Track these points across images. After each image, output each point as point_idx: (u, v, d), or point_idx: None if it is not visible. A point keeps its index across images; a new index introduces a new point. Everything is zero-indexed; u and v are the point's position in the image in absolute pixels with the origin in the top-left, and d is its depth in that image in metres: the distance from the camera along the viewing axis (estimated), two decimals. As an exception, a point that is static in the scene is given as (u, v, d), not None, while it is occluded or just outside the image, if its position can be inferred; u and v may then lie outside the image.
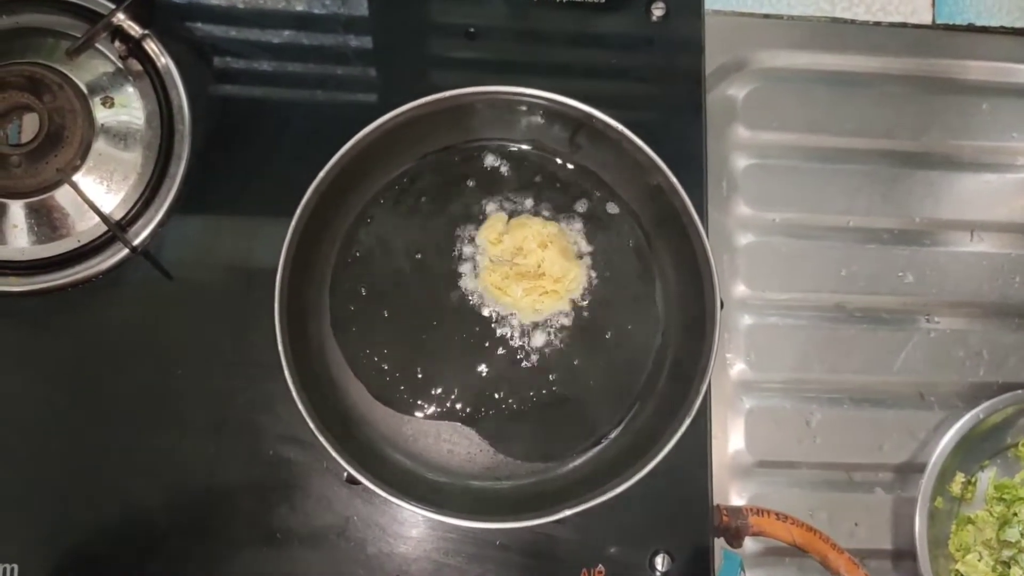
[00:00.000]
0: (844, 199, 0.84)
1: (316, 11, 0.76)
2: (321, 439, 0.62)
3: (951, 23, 0.86)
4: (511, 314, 0.71)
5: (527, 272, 0.70)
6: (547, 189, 0.73)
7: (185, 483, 0.67)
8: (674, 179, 0.66)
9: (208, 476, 0.67)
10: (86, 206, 0.68)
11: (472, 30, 0.76)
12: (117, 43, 0.71)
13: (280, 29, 0.75)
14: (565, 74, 0.75)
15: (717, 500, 0.71)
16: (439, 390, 0.69)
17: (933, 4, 0.86)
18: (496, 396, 0.70)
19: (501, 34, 0.76)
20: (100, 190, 0.70)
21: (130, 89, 0.71)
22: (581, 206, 0.73)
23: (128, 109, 0.71)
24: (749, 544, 0.73)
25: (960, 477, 0.78)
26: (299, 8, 0.75)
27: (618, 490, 0.62)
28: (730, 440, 0.79)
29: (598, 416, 0.70)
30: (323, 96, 0.75)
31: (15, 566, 0.65)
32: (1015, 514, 0.77)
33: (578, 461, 0.69)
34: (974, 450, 0.78)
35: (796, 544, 0.71)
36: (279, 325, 0.63)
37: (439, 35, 0.77)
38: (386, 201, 0.72)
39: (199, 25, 0.74)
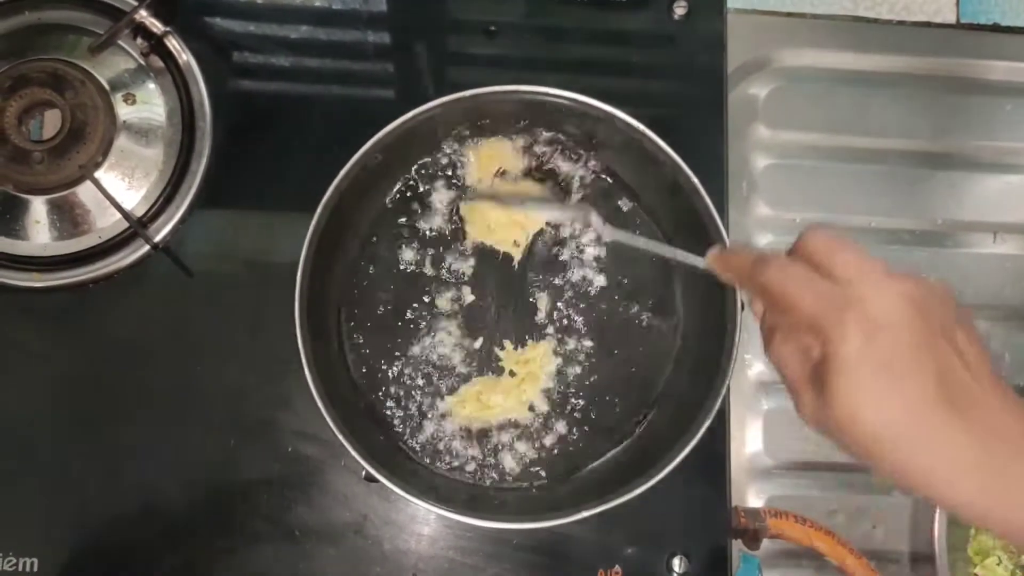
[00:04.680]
0: (865, 200, 0.83)
1: (336, 7, 0.76)
2: (340, 437, 0.62)
3: (975, 23, 0.85)
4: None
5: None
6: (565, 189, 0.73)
7: (204, 479, 0.68)
8: (695, 179, 0.66)
9: (227, 472, 0.68)
10: (107, 202, 0.68)
11: (492, 28, 0.76)
12: (139, 40, 0.71)
13: (300, 25, 0.75)
14: (586, 72, 0.75)
15: (734, 502, 0.70)
16: (455, 390, 0.69)
17: (957, 3, 0.85)
18: (515, 396, 0.70)
19: (521, 32, 0.76)
20: (121, 186, 0.70)
21: (151, 86, 0.71)
22: (600, 205, 0.73)
23: (149, 106, 0.71)
24: (767, 546, 0.72)
25: (980, 481, 0.78)
26: (318, 4, 0.75)
27: (636, 491, 0.62)
28: (748, 441, 0.79)
29: (617, 417, 0.70)
30: (343, 92, 0.75)
31: (35, 560, 0.65)
32: (1035, 519, 0.77)
33: (597, 462, 0.69)
34: (995, 454, 0.77)
35: (814, 547, 0.71)
36: (299, 322, 0.63)
37: (459, 32, 0.77)
38: (405, 198, 0.72)
39: (220, 22, 0.75)
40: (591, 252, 0.72)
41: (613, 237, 0.60)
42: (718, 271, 0.50)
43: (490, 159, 0.72)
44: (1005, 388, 0.43)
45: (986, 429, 0.41)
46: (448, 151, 0.72)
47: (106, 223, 0.70)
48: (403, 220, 0.72)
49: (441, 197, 0.72)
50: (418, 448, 0.69)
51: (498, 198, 0.70)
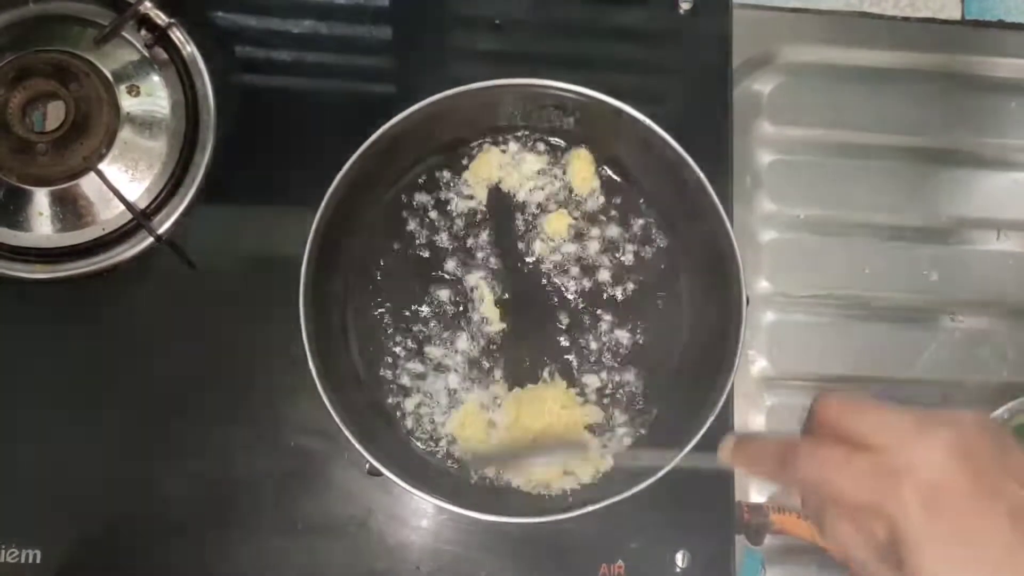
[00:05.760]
0: (869, 196, 0.83)
1: (339, 1, 0.76)
2: (344, 430, 0.61)
3: (980, 19, 0.85)
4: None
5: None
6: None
7: (207, 472, 0.68)
8: (701, 174, 0.66)
9: (230, 465, 0.68)
10: (111, 194, 0.68)
11: (498, 22, 0.76)
12: (143, 32, 0.71)
13: (303, 19, 0.75)
14: (591, 67, 0.75)
15: (738, 497, 0.70)
16: (461, 384, 0.69)
17: (962, 0, 0.85)
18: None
19: (527, 26, 0.76)
20: (125, 178, 0.70)
21: (155, 78, 0.71)
22: (604, 201, 0.73)
23: (153, 98, 0.71)
24: (770, 542, 0.72)
25: (983, 478, 0.78)
26: (322, -2, 0.75)
27: (640, 486, 0.62)
28: (751, 437, 0.79)
29: (621, 413, 0.70)
30: (348, 86, 0.75)
31: (37, 552, 0.65)
32: (1038, 516, 0.77)
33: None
34: (998, 451, 0.77)
35: (817, 542, 0.71)
36: (304, 315, 0.62)
37: (464, 27, 0.77)
38: (410, 193, 0.72)
39: (224, 14, 0.74)
40: (595, 248, 0.72)
41: (619, 462, 0.66)
42: (737, 467, 0.49)
43: (489, 162, 0.72)
44: None
45: None
46: (451, 146, 0.72)
47: (109, 215, 0.69)
48: (408, 215, 0.71)
49: (446, 192, 0.72)
50: (422, 442, 0.68)
51: (501, 460, 0.68)
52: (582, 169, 0.72)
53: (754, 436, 0.49)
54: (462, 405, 0.68)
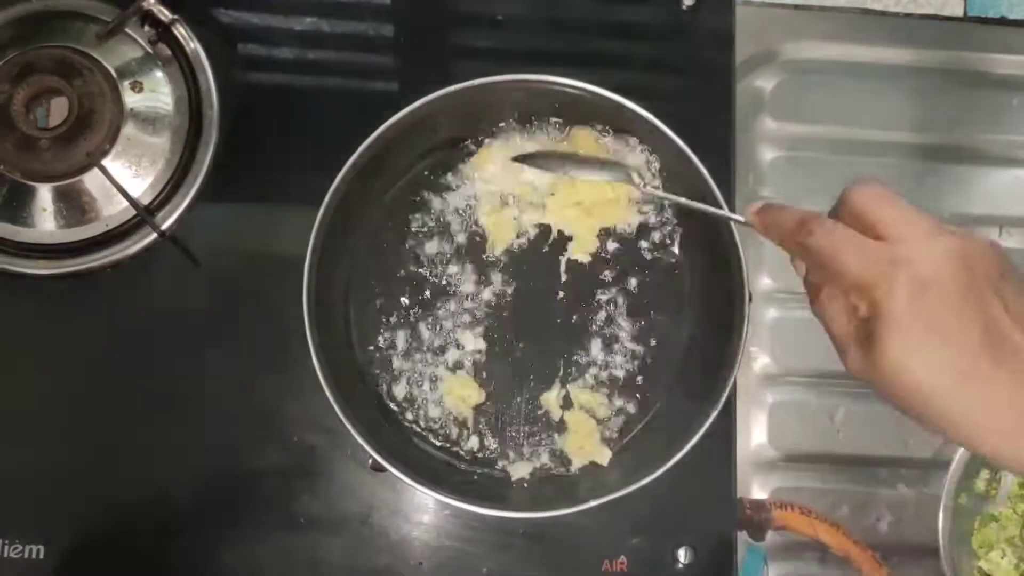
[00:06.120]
0: (871, 193, 0.83)
1: (342, -1, 0.76)
2: (348, 426, 0.61)
3: (983, 16, 0.84)
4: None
5: None
6: (573, 179, 0.73)
7: (210, 468, 0.68)
8: (704, 171, 0.65)
9: (232, 461, 0.68)
10: (114, 190, 0.68)
11: (500, 18, 0.76)
12: (147, 28, 0.71)
13: (306, 16, 0.75)
14: (593, 63, 0.74)
15: (740, 493, 0.70)
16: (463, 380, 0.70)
17: (965, -4, 0.85)
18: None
19: (529, 23, 0.76)
20: (128, 174, 0.70)
21: (159, 74, 0.71)
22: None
23: (157, 94, 0.71)
24: (771, 539, 0.72)
25: (985, 474, 0.78)
26: (325, -5, 0.75)
27: (642, 482, 0.62)
28: (753, 434, 0.79)
29: (623, 409, 0.70)
30: (350, 83, 0.75)
31: (40, 547, 0.65)
32: (1039, 512, 0.77)
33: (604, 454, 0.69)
34: (999, 447, 0.77)
35: (819, 539, 0.71)
36: (307, 312, 0.63)
37: (466, 23, 0.77)
38: (412, 190, 0.72)
39: (227, 11, 0.74)
40: (596, 246, 0.72)
41: (652, 193, 0.67)
42: (758, 228, 0.51)
43: (491, 158, 0.72)
44: None
45: None
46: (453, 142, 0.72)
47: (113, 211, 0.70)
48: (410, 211, 0.71)
49: (449, 189, 0.72)
50: (425, 438, 0.69)
51: (539, 163, 0.69)
52: None
53: (781, 205, 0.51)
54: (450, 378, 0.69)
